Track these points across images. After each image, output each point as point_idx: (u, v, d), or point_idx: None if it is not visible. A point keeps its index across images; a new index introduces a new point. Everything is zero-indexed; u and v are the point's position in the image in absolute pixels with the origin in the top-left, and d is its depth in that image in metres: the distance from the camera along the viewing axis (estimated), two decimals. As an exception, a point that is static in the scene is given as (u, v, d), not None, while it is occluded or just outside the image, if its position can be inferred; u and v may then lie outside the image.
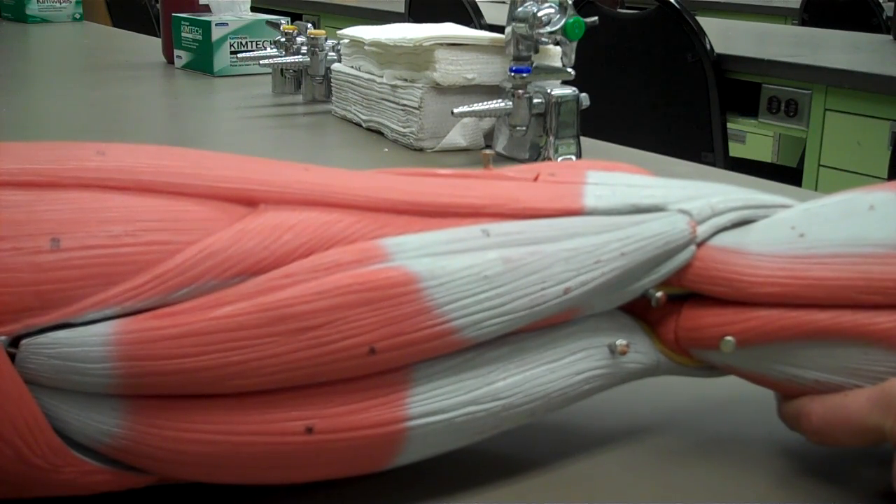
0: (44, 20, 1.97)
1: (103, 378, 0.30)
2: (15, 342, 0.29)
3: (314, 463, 0.32)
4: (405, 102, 0.87)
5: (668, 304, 0.37)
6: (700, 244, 0.36)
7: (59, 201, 0.30)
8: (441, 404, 0.33)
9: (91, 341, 0.30)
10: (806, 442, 0.37)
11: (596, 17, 0.83)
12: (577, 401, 0.37)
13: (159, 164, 0.32)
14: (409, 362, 0.33)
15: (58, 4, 1.99)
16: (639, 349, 0.37)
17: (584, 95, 0.83)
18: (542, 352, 0.35)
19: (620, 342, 0.36)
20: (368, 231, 0.33)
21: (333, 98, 1.02)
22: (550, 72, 0.84)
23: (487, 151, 0.40)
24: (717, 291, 0.36)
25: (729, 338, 0.36)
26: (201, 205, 0.32)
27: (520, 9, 0.81)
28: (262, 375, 0.31)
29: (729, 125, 1.89)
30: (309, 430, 0.31)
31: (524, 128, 0.83)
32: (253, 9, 1.38)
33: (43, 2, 1.97)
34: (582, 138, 0.84)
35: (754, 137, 2.90)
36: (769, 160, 2.81)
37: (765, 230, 0.37)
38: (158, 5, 1.44)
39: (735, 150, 2.01)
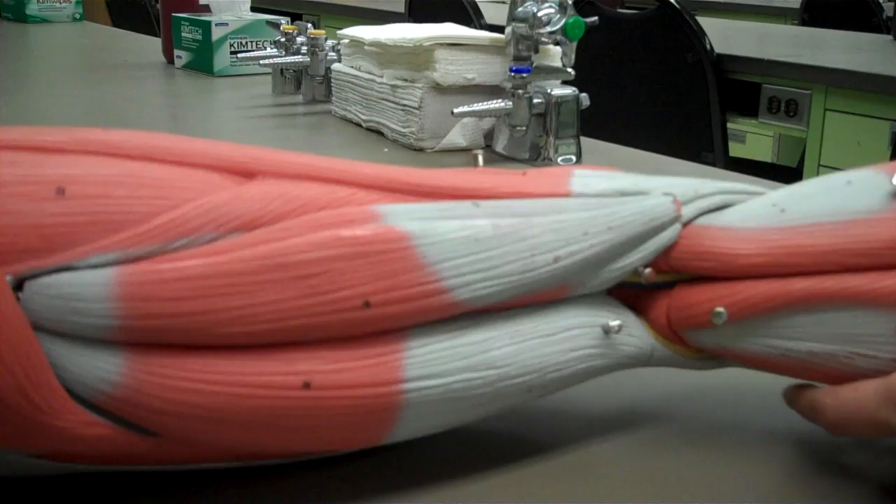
0: (44, 20, 1.97)
1: (104, 319, 0.30)
2: (19, 286, 0.30)
3: (312, 424, 0.32)
4: (405, 102, 0.87)
5: (658, 291, 0.38)
6: (685, 224, 0.38)
7: (65, 162, 0.32)
8: (437, 369, 0.34)
9: (93, 281, 0.30)
10: (803, 432, 0.37)
11: (596, 17, 0.83)
12: (573, 382, 0.37)
13: (162, 139, 0.34)
14: (404, 323, 0.33)
15: (58, 4, 1.99)
16: (632, 332, 0.38)
17: (584, 95, 0.83)
18: (536, 326, 0.36)
19: (614, 322, 0.37)
20: (362, 202, 0.34)
21: (333, 98, 1.02)
22: (550, 72, 0.84)
23: (477, 152, 0.40)
24: (704, 267, 0.37)
25: (720, 309, 0.37)
26: (201, 173, 0.33)
27: (520, 9, 0.81)
28: (260, 323, 0.31)
29: (729, 125, 1.89)
30: (306, 385, 0.32)
31: (524, 128, 0.83)
32: (253, 9, 1.38)
33: (43, 2, 1.97)
34: (582, 138, 0.84)
35: (754, 137, 2.90)
36: (769, 160, 2.81)
37: (747, 209, 0.38)
38: (158, 5, 1.44)
39: (735, 150, 2.01)
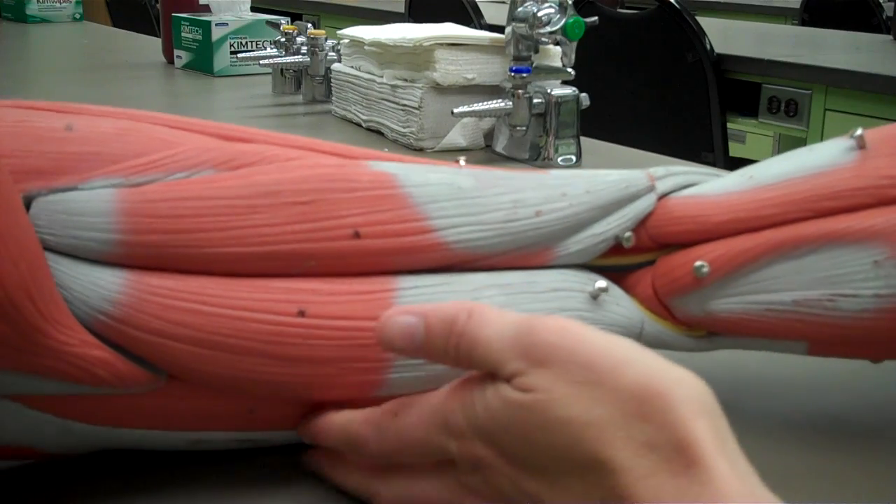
0: (44, 20, 1.97)
1: (105, 234, 0.32)
2: (28, 205, 0.32)
3: (307, 354, 0.33)
4: (405, 102, 0.87)
5: (642, 270, 0.39)
6: (661, 198, 0.39)
7: (76, 113, 0.35)
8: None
9: (96, 198, 0.32)
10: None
11: (596, 17, 0.83)
12: None
13: (162, 115, 0.36)
14: (395, 262, 0.34)
15: (58, 4, 1.99)
16: (620, 303, 0.38)
17: (584, 95, 0.83)
18: (526, 282, 0.37)
19: (600, 283, 0.38)
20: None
21: (333, 98, 1.02)
22: (550, 72, 0.84)
23: (460, 159, 0.41)
24: (681, 231, 0.38)
25: (701, 262, 0.38)
26: (197, 135, 0.36)
27: (520, 9, 0.81)
28: (254, 245, 0.33)
29: (729, 125, 1.89)
30: (301, 313, 0.33)
31: (524, 128, 0.83)
32: (253, 9, 1.38)
33: (43, 2, 1.97)
34: (582, 138, 0.84)
35: (754, 137, 2.90)
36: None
37: (720, 182, 0.40)
38: (158, 5, 1.44)
39: (735, 150, 2.01)
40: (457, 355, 0.31)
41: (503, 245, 0.36)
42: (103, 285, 0.31)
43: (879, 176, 0.37)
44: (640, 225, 0.39)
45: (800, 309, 0.37)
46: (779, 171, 0.39)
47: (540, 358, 0.28)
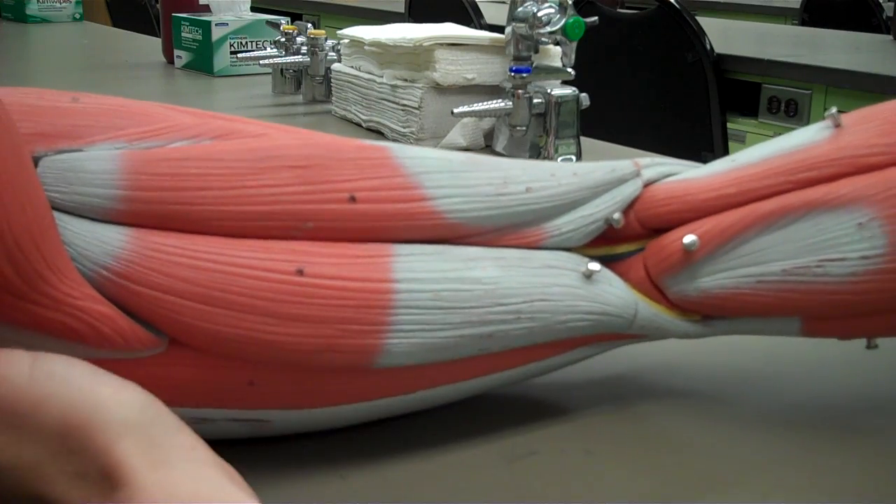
0: (44, 20, 1.97)
1: (109, 189, 0.32)
2: (34, 164, 0.32)
3: (305, 313, 0.33)
4: (405, 102, 0.87)
5: (633, 257, 0.40)
6: (648, 185, 0.40)
7: (81, 93, 0.36)
8: (425, 275, 0.35)
9: (100, 157, 0.33)
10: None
11: (596, 17, 0.83)
12: (561, 324, 0.37)
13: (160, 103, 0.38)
14: (390, 229, 0.35)
15: (58, 4, 1.99)
16: (613, 284, 0.39)
17: (584, 95, 0.83)
18: (519, 259, 0.37)
19: (593, 265, 0.38)
20: None
21: (333, 98, 1.02)
22: (550, 72, 0.84)
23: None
24: (668, 211, 0.39)
25: (691, 236, 0.38)
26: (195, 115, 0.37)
27: (520, 9, 0.81)
28: (256, 204, 0.34)
29: (729, 125, 1.89)
30: (300, 272, 0.33)
31: (524, 128, 0.83)
32: (253, 9, 1.38)
33: (43, 2, 1.97)
34: (582, 138, 0.84)
35: (754, 137, 2.89)
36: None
37: (704, 168, 0.41)
38: (158, 5, 1.44)
39: (735, 150, 2.01)
40: None
41: (495, 218, 0.37)
42: (107, 241, 0.32)
43: (856, 146, 0.38)
44: (629, 209, 0.40)
45: (790, 278, 0.37)
46: (760, 153, 0.40)
47: None
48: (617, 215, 0.39)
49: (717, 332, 0.41)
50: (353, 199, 0.35)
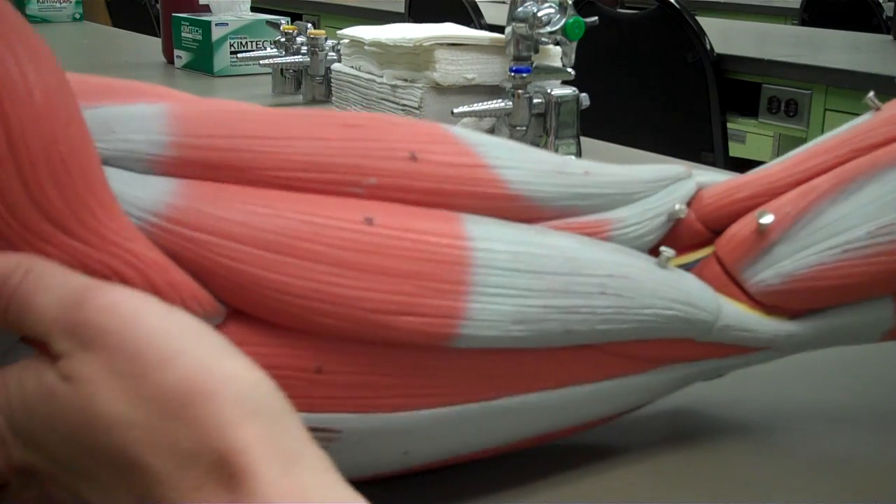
0: (44, 20, 1.97)
1: (158, 135, 0.30)
2: None
3: (375, 264, 0.30)
4: (405, 102, 0.87)
5: (704, 262, 0.38)
6: (700, 188, 0.39)
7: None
8: (500, 236, 0.33)
9: (146, 108, 0.31)
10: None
11: (596, 17, 0.83)
12: (648, 320, 0.35)
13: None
14: (453, 195, 0.33)
15: (58, 4, 1.99)
16: (693, 279, 0.37)
17: (584, 95, 0.83)
18: (591, 240, 0.36)
19: (665, 249, 0.36)
20: None
21: (333, 98, 1.02)
22: (550, 72, 0.84)
23: None
24: (731, 202, 0.38)
25: (763, 211, 0.37)
26: None
27: (520, 9, 0.81)
28: (315, 154, 0.31)
29: (729, 125, 1.89)
30: (368, 221, 0.31)
31: (524, 128, 0.83)
32: (253, 9, 1.38)
33: (43, 2, 1.97)
34: (582, 138, 0.84)
35: (754, 137, 2.89)
36: (769, 160, 2.80)
37: (756, 169, 0.40)
38: (158, 5, 1.44)
39: (735, 150, 2.01)
40: (7, 320, 0.26)
41: (557, 197, 0.35)
42: (157, 187, 0.29)
43: None
44: (689, 208, 0.38)
45: (876, 239, 0.36)
46: (807, 145, 0.40)
47: (87, 340, 0.24)
48: (679, 206, 0.38)
49: (806, 336, 0.38)
50: (413, 158, 0.32)
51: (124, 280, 0.27)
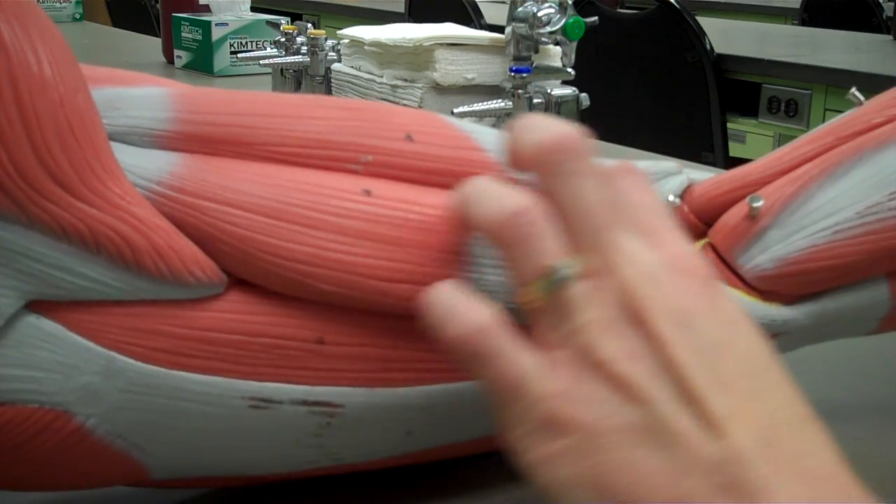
0: (44, 20, 1.97)
1: (162, 112, 0.31)
2: None
3: (376, 233, 0.30)
4: (405, 102, 0.87)
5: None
6: (691, 183, 0.40)
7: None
8: None
9: (149, 90, 0.32)
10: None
11: (596, 17, 0.83)
12: None
13: None
14: (450, 177, 0.33)
15: (58, 4, 1.99)
16: None
17: (584, 95, 0.83)
18: None
19: (672, 197, 0.38)
20: None
21: (333, 98, 1.02)
22: (550, 72, 0.84)
23: None
24: (722, 192, 0.39)
25: (752, 196, 0.38)
26: None
27: (520, 9, 0.81)
28: (313, 132, 0.32)
29: (729, 125, 1.89)
30: (366, 192, 0.31)
31: (524, 128, 0.83)
32: (253, 9, 1.38)
33: (43, 2, 1.97)
34: (582, 138, 0.84)
35: (754, 137, 2.89)
36: (769, 160, 2.80)
37: (747, 164, 0.41)
38: (158, 5, 1.44)
39: (735, 150, 2.01)
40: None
41: None
42: (160, 158, 0.30)
43: (884, 106, 0.39)
44: (682, 201, 0.39)
45: (865, 219, 0.37)
46: (798, 138, 0.40)
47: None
48: (672, 197, 0.39)
49: (803, 321, 0.38)
50: (410, 139, 0.33)
51: (130, 244, 0.28)
